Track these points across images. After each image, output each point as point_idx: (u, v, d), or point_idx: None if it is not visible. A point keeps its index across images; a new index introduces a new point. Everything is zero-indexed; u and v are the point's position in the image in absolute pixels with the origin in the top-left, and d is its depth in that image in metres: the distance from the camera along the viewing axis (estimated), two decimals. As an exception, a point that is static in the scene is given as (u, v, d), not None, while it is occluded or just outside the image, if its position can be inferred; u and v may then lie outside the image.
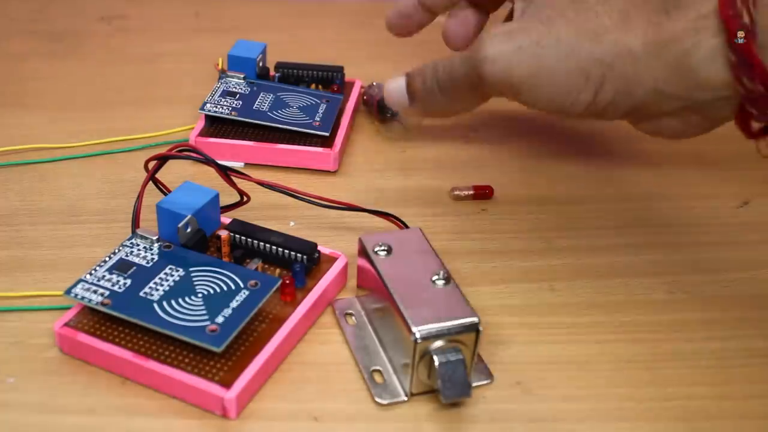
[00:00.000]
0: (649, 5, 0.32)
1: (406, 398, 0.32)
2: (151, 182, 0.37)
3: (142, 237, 0.36)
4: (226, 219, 0.38)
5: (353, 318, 0.35)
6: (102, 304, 0.32)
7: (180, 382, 0.31)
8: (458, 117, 0.48)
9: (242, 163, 0.45)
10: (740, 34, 0.29)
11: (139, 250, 0.35)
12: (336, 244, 0.38)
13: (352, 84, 0.51)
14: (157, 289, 0.33)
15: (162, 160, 0.37)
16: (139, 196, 0.36)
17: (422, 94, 0.38)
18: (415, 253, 0.34)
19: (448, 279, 0.32)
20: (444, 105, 0.38)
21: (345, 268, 0.37)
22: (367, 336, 0.34)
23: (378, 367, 0.33)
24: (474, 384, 0.32)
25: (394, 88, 0.39)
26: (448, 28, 0.43)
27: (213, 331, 0.31)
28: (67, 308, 0.34)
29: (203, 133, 0.46)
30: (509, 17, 0.41)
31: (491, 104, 0.39)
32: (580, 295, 0.37)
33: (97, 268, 0.34)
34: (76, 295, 0.33)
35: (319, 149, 0.44)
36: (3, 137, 0.47)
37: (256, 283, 0.33)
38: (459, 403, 0.31)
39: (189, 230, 0.35)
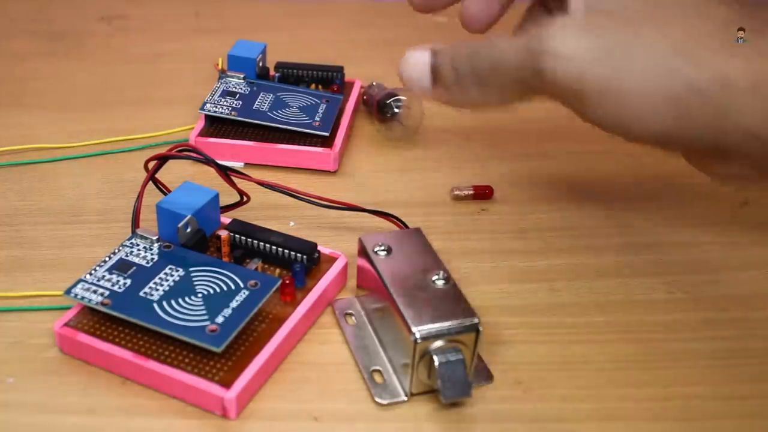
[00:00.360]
0: (756, 21, 0.28)
1: (406, 398, 0.32)
2: (151, 182, 0.37)
3: (142, 237, 0.36)
4: (226, 219, 0.38)
5: (353, 318, 0.35)
6: (102, 304, 0.32)
7: (180, 382, 0.31)
8: (457, 116, 0.48)
9: (242, 163, 0.45)
10: None
11: (139, 250, 0.35)
12: (336, 244, 0.38)
13: (352, 84, 0.51)
14: (157, 289, 0.33)
15: (162, 160, 0.37)
16: (139, 196, 0.36)
17: (451, 79, 0.33)
18: (415, 253, 0.34)
19: (448, 279, 0.32)
20: (475, 97, 0.33)
21: (345, 268, 0.37)
22: (367, 336, 0.34)
23: (378, 367, 0.33)
24: (474, 384, 0.32)
25: (416, 62, 0.34)
26: (470, 7, 0.37)
27: (213, 331, 0.31)
28: (67, 308, 0.34)
29: (203, 133, 0.46)
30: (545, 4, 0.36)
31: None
32: (580, 295, 0.37)
33: (97, 268, 0.34)
34: (76, 295, 0.33)
35: (319, 149, 0.44)
36: (3, 137, 0.47)
37: (256, 283, 0.33)
38: (459, 403, 0.31)
39: (189, 230, 0.35)
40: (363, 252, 0.34)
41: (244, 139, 0.45)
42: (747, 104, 0.27)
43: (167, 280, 0.33)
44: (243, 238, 0.36)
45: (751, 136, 0.27)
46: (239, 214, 0.39)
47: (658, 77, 0.28)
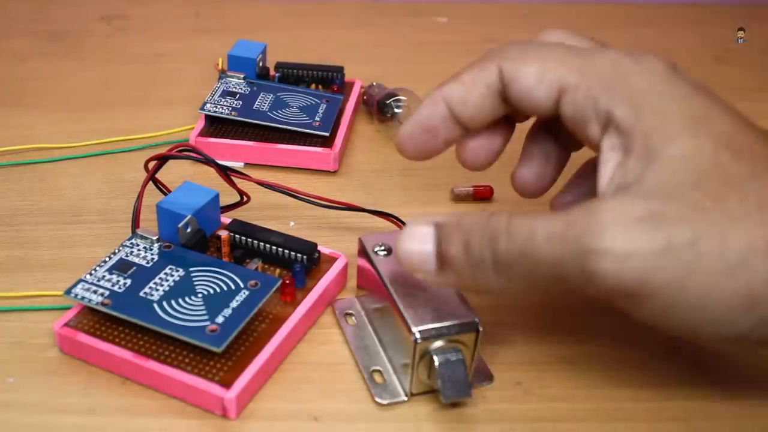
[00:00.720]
0: None
1: (406, 398, 0.32)
2: (151, 182, 0.37)
3: (142, 237, 0.36)
4: (226, 219, 0.38)
5: (353, 318, 0.35)
6: (102, 304, 0.32)
7: (180, 382, 0.31)
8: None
9: (242, 163, 0.45)
10: None
11: (139, 250, 0.35)
12: (336, 244, 0.38)
13: (352, 84, 0.51)
14: (157, 289, 0.33)
15: (162, 160, 0.37)
16: (139, 196, 0.36)
17: (462, 266, 0.27)
18: (415, 253, 0.34)
19: (448, 279, 0.32)
20: (494, 286, 0.28)
21: (345, 268, 0.37)
22: (367, 336, 0.34)
23: (378, 367, 0.33)
24: (474, 384, 0.32)
25: (413, 249, 0.28)
26: (468, 146, 0.34)
27: (213, 331, 0.31)
28: (67, 308, 0.34)
29: (203, 133, 0.46)
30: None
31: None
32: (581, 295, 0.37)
33: (97, 268, 0.34)
34: (76, 295, 0.33)
35: (319, 149, 0.45)
36: (3, 137, 0.47)
37: (256, 283, 0.33)
38: (459, 403, 0.31)
39: (189, 230, 0.35)
40: (363, 252, 0.34)
41: (244, 139, 0.45)
42: None
43: (167, 280, 0.33)
44: (243, 238, 0.36)
45: None
46: (239, 214, 0.39)
47: (733, 276, 0.24)
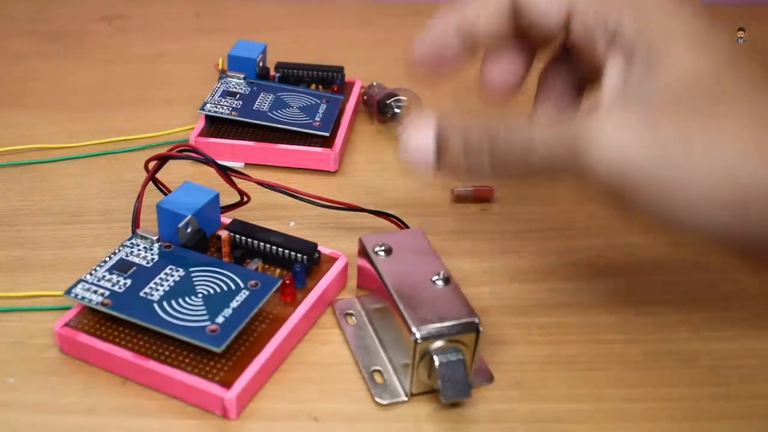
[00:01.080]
0: None
1: (406, 398, 0.32)
2: (151, 182, 0.37)
3: (142, 237, 0.36)
4: (226, 219, 0.38)
5: (353, 318, 0.35)
6: (102, 304, 0.32)
7: (180, 382, 0.31)
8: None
9: (242, 163, 0.45)
10: None
11: (139, 250, 0.35)
12: (336, 244, 0.38)
13: (352, 84, 0.51)
14: (157, 289, 0.33)
15: (162, 160, 0.37)
16: (139, 196, 0.36)
17: (461, 162, 0.29)
18: (415, 253, 0.34)
19: (448, 279, 0.32)
20: (489, 178, 0.29)
21: (345, 268, 0.37)
22: (367, 336, 0.34)
23: (378, 367, 0.33)
24: (474, 384, 0.32)
25: (418, 145, 0.30)
26: (490, 72, 0.34)
27: (213, 331, 0.31)
28: (68, 308, 0.34)
29: (203, 133, 0.46)
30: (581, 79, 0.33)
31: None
32: (580, 295, 0.37)
33: (98, 268, 0.34)
34: (77, 295, 0.33)
35: (319, 149, 0.45)
36: (3, 137, 0.47)
37: (256, 283, 0.33)
38: (459, 403, 0.31)
39: (189, 230, 0.35)
40: (363, 252, 0.34)
41: (244, 139, 0.45)
42: None
43: (167, 281, 0.33)
44: (243, 238, 0.36)
45: None
46: (239, 214, 0.39)
47: (721, 176, 0.25)
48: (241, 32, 0.54)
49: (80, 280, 0.33)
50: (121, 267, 0.34)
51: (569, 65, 0.34)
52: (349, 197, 0.40)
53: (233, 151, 0.45)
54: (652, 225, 0.27)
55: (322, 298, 0.35)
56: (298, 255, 0.36)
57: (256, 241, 0.36)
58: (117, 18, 0.63)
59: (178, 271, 0.34)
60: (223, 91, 0.47)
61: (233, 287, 0.33)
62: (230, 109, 0.46)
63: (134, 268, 0.34)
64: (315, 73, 0.50)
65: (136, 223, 0.36)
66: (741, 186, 0.25)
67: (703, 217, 0.26)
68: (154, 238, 0.35)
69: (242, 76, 0.48)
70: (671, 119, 0.26)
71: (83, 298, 0.33)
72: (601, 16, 0.30)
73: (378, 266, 0.33)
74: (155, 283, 0.33)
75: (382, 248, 0.34)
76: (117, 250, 0.35)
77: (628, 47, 0.28)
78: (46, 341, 0.34)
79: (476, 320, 0.30)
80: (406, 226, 0.38)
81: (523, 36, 0.33)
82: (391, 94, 0.48)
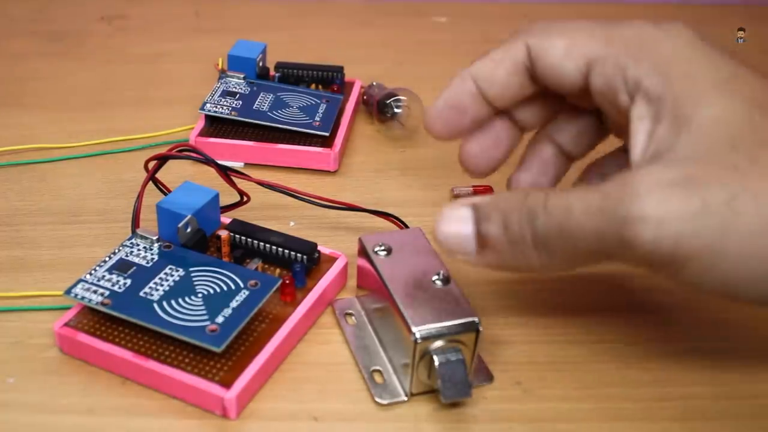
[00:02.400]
0: None
1: (406, 398, 0.32)
2: (151, 182, 0.37)
3: (142, 237, 0.36)
4: (226, 219, 0.38)
5: (353, 318, 0.35)
6: (102, 304, 0.32)
7: (180, 382, 0.31)
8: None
9: (242, 163, 0.45)
10: None
11: (139, 250, 0.35)
12: (336, 244, 0.38)
13: (352, 84, 0.51)
14: (157, 289, 0.33)
15: (162, 160, 0.37)
16: (139, 196, 0.36)
17: (503, 245, 0.28)
18: (415, 253, 0.34)
19: (448, 279, 0.32)
20: (534, 263, 0.28)
21: (345, 268, 0.37)
22: (367, 336, 0.34)
23: (378, 367, 0.33)
24: (474, 384, 0.32)
25: (452, 231, 0.28)
26: (471, 147, 0.34)
27: (213, 331, 0.31)
28: (67, 308, 0.34)
29: (203, 133, 0.46)
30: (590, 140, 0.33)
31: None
32: (580, 295, 0.37)
33: (97, 268, 0.34)
34: (76, 295, 0.33)
35: (319, 149, 0.45)
36: (3, 137, 0.47)
37: (256, 283, 0.33)
38: (459, 403, 0.31)
39: (189, 230, 0.35)
40: (363, 252, 0.34)
41: (244, 139, 0.45)
42: None
43: (167, 280, 0.33)
44: (243, 238, 0.36)
45: None
46: (239, 214, 0.39)
47: None
48: (241, 32, 0.54)
49: (80, 280, 0.33)
50: (121, 267, 0.34)
51: (564, 132, 0.34)
52: (349, 197, 0.40)
53: (233, 151, 0.45)
54: (708, 294, 0.27)
55: (321, 298, 0.35)
56: (298, 255, 0.36)
57: (256, 241, 0.36)
58: (117, 18, 0.63)
59: (177, 270, 0.34)
60: (223, 90, 0.47)
61: (233, 287, 0.33)
62: (230, 109, 0.46)
63: (134, 267, 0.34)
64: (315, 73, 0.50)
65: (135, 222, 0.36)
66: None
67: (757, 280, 0.25)
68: (154, 237, 0.35)
69: (242, 76, 0.48)
70: (707, 177, 0.24)
71: (83, 297, 0.33)
72: (620, 67, 0.29)
73: (378, 266, 0.33)
74: (155, 283, 0.33)
75: (382, 248, 0.34)
76: (117, 250, 0.35)
77: (652, 99, 0.28)
78: (46, 341, 0.34)
79: (476, 320, 0.30)
80: (406, 226, 0.38)
81: (540, 95, 0.33)
82: (391, 94, 0.48)
